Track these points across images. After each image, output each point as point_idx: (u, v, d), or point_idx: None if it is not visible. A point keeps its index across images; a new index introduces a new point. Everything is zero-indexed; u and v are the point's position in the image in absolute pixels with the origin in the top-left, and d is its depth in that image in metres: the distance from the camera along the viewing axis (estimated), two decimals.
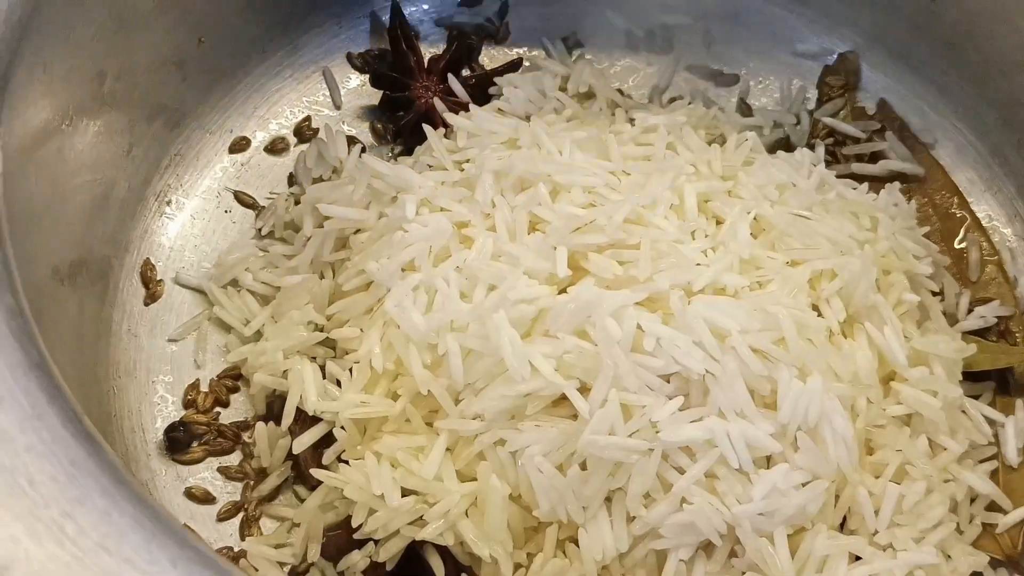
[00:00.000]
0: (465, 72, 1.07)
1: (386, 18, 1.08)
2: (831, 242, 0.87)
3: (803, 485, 0.79)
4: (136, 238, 0.97)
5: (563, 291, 0.83)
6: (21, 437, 0.61)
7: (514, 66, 1.07)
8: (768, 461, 0.80)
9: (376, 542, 0.83)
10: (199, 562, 0.59)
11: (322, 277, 0.93)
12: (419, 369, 0.82)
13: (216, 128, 1.03)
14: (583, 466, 0.78)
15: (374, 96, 1.07)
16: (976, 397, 0.92)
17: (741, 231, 0.86)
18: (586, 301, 0.80)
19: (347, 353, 0.88)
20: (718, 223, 0.88)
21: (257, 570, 0.86)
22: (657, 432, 0.77)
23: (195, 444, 0.91)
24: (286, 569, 0.87)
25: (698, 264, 0.83)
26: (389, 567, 0.83)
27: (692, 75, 1.09)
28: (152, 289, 0.96)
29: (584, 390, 0.79)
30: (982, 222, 1.02)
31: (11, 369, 0.63)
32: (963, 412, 0.89)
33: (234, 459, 0.92)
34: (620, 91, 1.06)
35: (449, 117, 0.98)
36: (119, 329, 0.94)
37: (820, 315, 0.85)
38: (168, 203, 1.00)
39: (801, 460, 0.79)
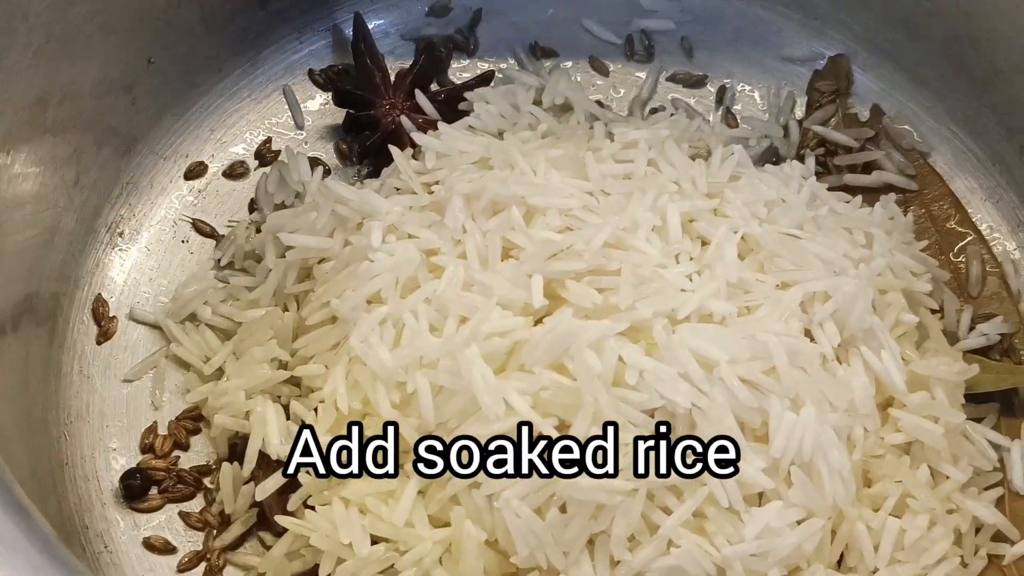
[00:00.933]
0: (434, 87, 1.04)
1: (349, 31, 1.05)
2: (823, 262, 0.85)
3: (798, 523, 0.78)
4: (86, 273, 0.95)
5: (539, 322, 0.81)
6: None
7: (485, 79, 1.04)
8: (760, 498, 0.79)
9: None
10: None
11: (286, 310, 0.91)
12: (387, 409, 0.80)
13: (170, 153, 1.00)
14: (563, 509, 0.77)
15: (338, 115, 1.04)
16: (979, 420, 0.90)
17: (728, 253, 0.84)
18: (563, 333, 0.78)
19: (312, 391, 0.85)
20: (703, 244, 0.86)
21: None
22: None
23: (153, 491, 0.89)
24: None
25: (683, 290, 0.81)
26: None
27: (674, 84, 1.06)
28: (105, 327, 0.94)
29: (563, 428, 0.77)
30: (983, 233, 0.99)
31: None
32: (966, 437, 0.87)
33: (195, 505, 0.89)
34: (599, 103, 1.02)
35: (416, 136, 0.95)
36: (70, 370, 0.92)
37: (813, 340, 0.82)
38: (120, 234, 0.97)
39: (795, 496, 0.78)
